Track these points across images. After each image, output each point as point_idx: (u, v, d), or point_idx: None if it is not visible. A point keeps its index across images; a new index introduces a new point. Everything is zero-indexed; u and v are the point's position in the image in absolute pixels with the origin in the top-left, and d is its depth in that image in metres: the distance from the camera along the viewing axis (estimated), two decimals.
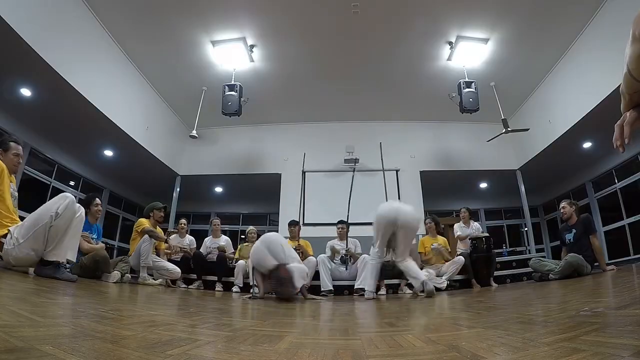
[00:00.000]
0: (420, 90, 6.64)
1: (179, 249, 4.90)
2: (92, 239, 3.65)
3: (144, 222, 4.12)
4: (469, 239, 4.70)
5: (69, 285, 2.11)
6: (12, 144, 2.48)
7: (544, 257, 4.56)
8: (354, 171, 5.82)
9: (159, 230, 4.28)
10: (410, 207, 3.36)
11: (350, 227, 4.82)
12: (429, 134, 7.62)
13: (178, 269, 4.14)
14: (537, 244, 8.31)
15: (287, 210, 6.78)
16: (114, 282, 3.24)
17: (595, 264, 3.73)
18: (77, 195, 7.08)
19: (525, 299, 2.06)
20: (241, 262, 4.51)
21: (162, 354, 0.61)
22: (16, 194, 2.53)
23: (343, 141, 7.27)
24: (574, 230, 3.93)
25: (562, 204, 4.13)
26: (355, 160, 6.95)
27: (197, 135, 6.46)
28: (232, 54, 5.65)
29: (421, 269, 4.43)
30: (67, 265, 3.39)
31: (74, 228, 2.37)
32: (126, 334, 0.78)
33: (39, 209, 2.29)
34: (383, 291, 4.10)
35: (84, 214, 2.47)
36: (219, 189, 9.06)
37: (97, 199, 3.76)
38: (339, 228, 4.73)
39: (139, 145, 6.19)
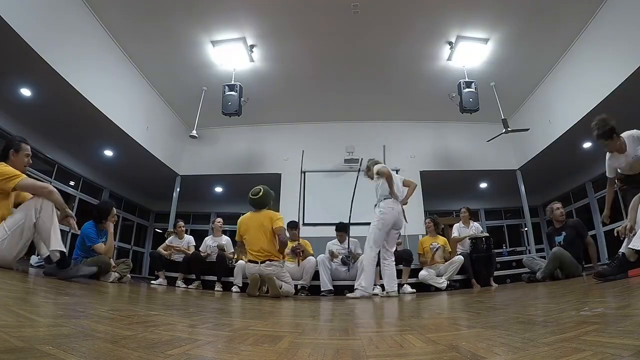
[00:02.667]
0: (420, 90, 6.64)
1: (172, 251, 4.97)
2: (101, 242, 3.71)
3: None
4: (469, 238, 4.70)
5: (69, 285, 2.12)
6: (23, 144, 2.56)
7: (542, 257, 4.54)
8: (358, 171, 5.81)
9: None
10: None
11: (351, 227, 4.80)
12: (429, 134, 7.61)
13: None
14: (537, 244, 8.31)
15: (287, 210, 6.77)
16: (110, 282, 3.27)
17: (587, 265, 3.76)
18: (77, 195, 7.09)
19: (525, 299, 2.06)
20: (241, 262, 4.50)
21: (162, 354, 0.61)
22: None
23: (343, 141, 7.27)
24: (563, 233, 3.91)
25: (557, 206, 4.08)
26: (359, 161, 6.93)
27: (197, 135, 6.46)
28: (232, 54, 5.65)
29: (421, 269, 4.46)
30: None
31: (56, 217, 2.41)
32: (126, 334, 0.78)
33: (19, 208, 2.34)
34: (377, 290, 4.09)
35: None
36: (219, 189, 9.06)
37: (114, 209, 3.82)
38: (337, 235, 4.68)
39: (139, 145, 6.19)
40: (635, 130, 3.00)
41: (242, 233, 3.46)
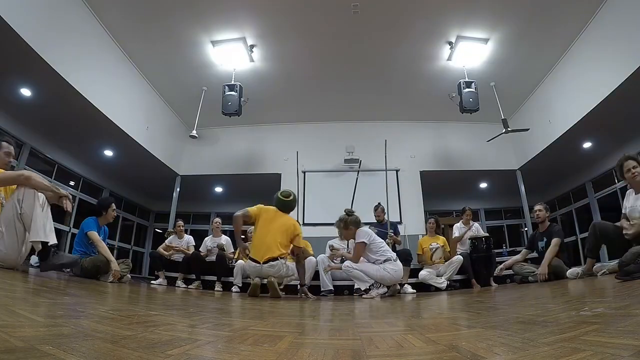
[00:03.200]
0: (420, 90, 6.64)
1: (172, 251, 4.98)
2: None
3: None
4: (469, 238, 4.70)
5: (69, 285, 2.12)
6: (2, 143, 2.50)
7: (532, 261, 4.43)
8: (358, 172, 5.81)
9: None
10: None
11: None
12: (429, 134, 7.62)
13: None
14: None
15: None
16: (110, 282, 3.26)
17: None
18: (78, 195, 7.08)
19: (525, 299, 2.06)
20: (240, 262, 4.51)
21: (162, 354, 0.61)
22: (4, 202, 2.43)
23: (343, 141, 7.27)
24: (544, 239, 3.88)
25: (537, 207, 4.01)
26: (358, 161, 6.94)
27: (197, 135, 6.46)
28: (232, 54, 5.66)
29: (421, 269, 4.46)
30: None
31: (41, 207, 2.29)
32: (126, 334, 0.78)
33: (6, 204, 2.26)
34: (379, 291, 4.06)
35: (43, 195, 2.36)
36: (219, 189, 9.06)
37: (113, 204, 3.76)
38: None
39: (139, 145, 6.19)
40: None
41: (258, 219, 3.32)
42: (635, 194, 2.92)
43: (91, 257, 3.35)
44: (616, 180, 6.64)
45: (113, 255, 3.58)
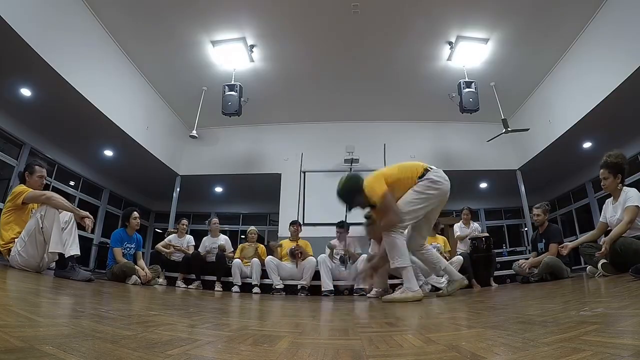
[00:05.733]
0: (420, 90, 6.64)
1: (172, 250, 4.98)
2: (131, 248, 4.02)
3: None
4: (469, 238, 4.70)
5: (69, 285, 2.12)
6: (36, 167, 2.86)
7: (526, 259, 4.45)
8: (350, 170, 5.81)
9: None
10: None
11: (350, 227, 4.81)
12: (429, 134, 7.61)
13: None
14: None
15: (287, 210, 6.78)
16: (132, 284, 3.58)
17: (574, 267, 3.72)
18: (78, 195, 7.08)
19: (525, 299, 2.06)
20: (237, 260, 4.51)
21: (162, 354, 0.61)
22: None
23: (343, 141, 7.26)
24: (543, 241, 3.90)
25: (535, 211, 3.99)
26: (355, 161, 6.93)
27: (197, 135, 6.46)
28: (232, 54, 5.66)
29: None
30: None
31: (67, 223, 2.67)
32: (126, 334, 0.78)
33: (30, 218, 2.61)
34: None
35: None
36: (219, 189, 9.06)
37: (134, 212, 4.07)
38: (337, 232, 4.69)
39: (139, 145, 6.19)
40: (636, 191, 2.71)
41: None
42: (613, 203, 2.88)
43: (119, 265, 3.70)
44: None
45: (143, 259, 4.15)
